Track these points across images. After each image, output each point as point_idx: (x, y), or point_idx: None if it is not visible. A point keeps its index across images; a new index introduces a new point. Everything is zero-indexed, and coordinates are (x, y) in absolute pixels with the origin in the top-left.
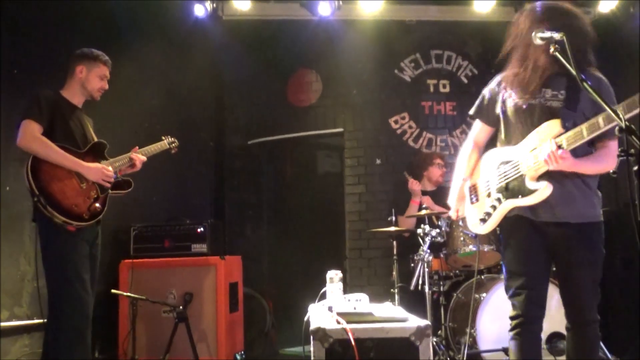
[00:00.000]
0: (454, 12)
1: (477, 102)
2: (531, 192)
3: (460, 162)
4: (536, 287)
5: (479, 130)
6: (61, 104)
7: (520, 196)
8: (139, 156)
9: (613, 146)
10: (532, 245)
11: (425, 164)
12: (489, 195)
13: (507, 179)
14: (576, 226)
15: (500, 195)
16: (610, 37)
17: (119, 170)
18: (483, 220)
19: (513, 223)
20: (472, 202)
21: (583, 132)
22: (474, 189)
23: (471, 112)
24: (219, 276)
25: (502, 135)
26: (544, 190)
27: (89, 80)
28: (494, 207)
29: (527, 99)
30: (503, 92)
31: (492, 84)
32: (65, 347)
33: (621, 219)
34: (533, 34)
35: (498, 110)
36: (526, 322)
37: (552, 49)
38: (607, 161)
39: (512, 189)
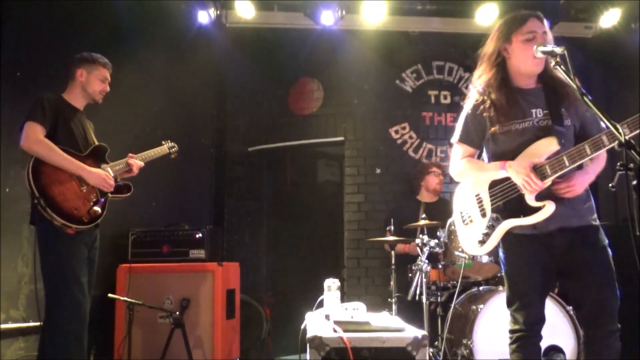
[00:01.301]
0: (456, 24)
1: (461, 128)
2: (533, 210)
3: (473, 164)
4: (538, 303)
5: (463, 152)
6: (64, 107)
7: (521, 215)
8: (137, 162)
9: None
10: (534, 261)
11: (422, 174)
12: (484, 215)
13: (505, 198)
14: (578, 230)
15: (497, 215)
16: (612, 51)
17: (118, 174)
18: (482, 242)
19: (516, 240)
20: (465, 224)
21: (565, 162)
22: (463, 211)
23: (455, 138)
24: (216, 283)
25: (490, 158)
26: (547, 209)
27: (90, 83)
28: (492, 227)
29: (519, 123)
30: (488, 115)
31: (471, 106)
32: (62, 350)
33: (620, 234)
34: (535, 47)
35: (485, 134)
36: (529, 336)
37: (553, 63)
38: (599, 164)
39: (511, 208)
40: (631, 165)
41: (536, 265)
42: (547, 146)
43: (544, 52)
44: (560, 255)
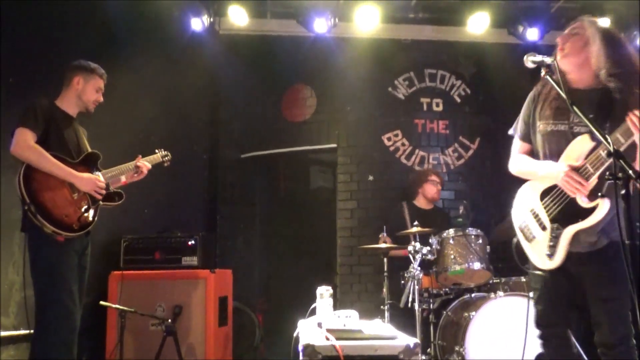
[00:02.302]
0: (448, 32)
1: (517, 121)
2: (589, 211)
3: (523, 163)
4: (547, 304)
5: (519, 146)
6: (56, 114)
7: (580, 219)
8: (145, 163)
9: None
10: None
11: (420, 181)
12: (544, 228)
13: (559, 205)
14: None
15: (557, 225)
16: None
17: (116, 181)
18: (550, 255)
19: None
20: (529, 241)
21: (602, 155)
22: (524, 229)
23: (511, 130)
24: (208, 290)
25: (537, 155)
26: (603, 206)
27: (85, 92)
28: (556, 238)
29: (554, 124)
30: (535, 112)
31: (528, 101)
32: (52, 359)
33: None
34: (525, 57)
35: (531, 130)
36: (544, 336)
37: (543, 73)
38: None
39: (569, 214)
40: (620, 174)
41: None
42: (581, 145)
43: (534, 62)
44: (574, 266)
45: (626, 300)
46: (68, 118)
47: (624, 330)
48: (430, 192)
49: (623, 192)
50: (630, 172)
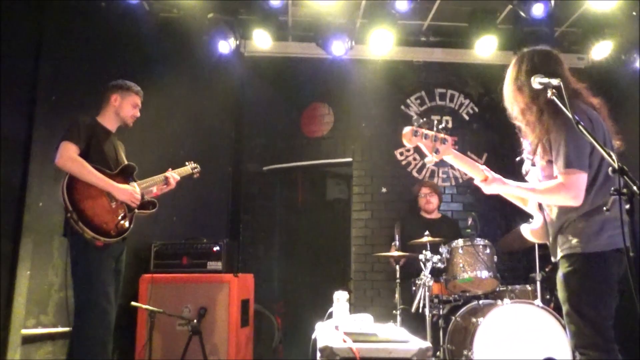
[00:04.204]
0: (457, 55)
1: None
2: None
3: None
4: None
5: None
6: (97, 129)
7: None
8: (174, 175)
9: (562, 178)
10: None
11: (416, 196)
12: None
13: None
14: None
15: None
16: (604, 81)
17: (149, 191)
18: None
19: None
20: None
21: None
22: None
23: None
24: (231, 293)
25: None
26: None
27: (123, 108)
28: None
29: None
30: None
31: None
32: (88, 354)
33: None
34: (532, 78)
35: None
36: None
37: (549, 94)
38: (550, 188)
39: None
40: (624, 190)
41: None
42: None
43: (540, 83)
44: None
45: (579, 309)
46: (108, 133)
47: (579, 339)
48: (422, 204)
49: (627, 206)
50: (634, 187)
